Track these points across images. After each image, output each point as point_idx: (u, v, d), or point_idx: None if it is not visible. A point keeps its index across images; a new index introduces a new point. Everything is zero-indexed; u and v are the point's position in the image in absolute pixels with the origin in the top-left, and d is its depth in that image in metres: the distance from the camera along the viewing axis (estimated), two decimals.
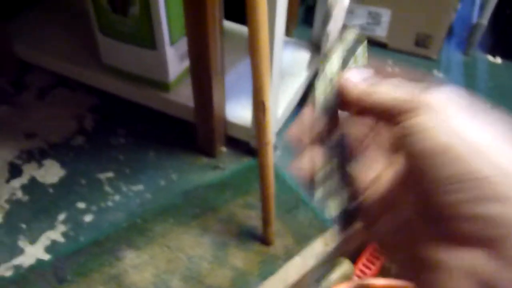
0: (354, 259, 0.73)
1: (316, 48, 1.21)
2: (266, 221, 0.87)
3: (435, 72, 1.32)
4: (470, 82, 1.32)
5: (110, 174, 1.04)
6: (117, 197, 0.99)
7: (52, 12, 1.31)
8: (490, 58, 1.39)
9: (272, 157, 0.79)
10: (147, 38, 0.99)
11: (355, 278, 0.71)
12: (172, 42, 1.02)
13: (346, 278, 0.70)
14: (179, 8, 0.99)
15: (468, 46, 1.38)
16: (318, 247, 0.66)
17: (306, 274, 0.63)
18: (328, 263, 0.68)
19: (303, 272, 0.63)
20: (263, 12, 0.64)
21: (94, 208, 0.97)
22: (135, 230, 0.93)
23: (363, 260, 0.74)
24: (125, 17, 0.98)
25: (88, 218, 0.96)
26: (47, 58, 1.19)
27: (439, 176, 0.18)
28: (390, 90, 0.22)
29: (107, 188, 1.01)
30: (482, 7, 1.34)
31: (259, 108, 0.72)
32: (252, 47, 0.67)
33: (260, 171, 0.81)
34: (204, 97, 0.95)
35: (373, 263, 0.74)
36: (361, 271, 0.73)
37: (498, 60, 1.39)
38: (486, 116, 0.20)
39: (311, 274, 0.65)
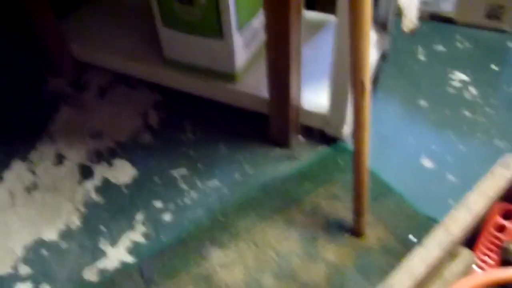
0: (470, 247, 0.68)
1: (383, 27, 1.14)
2: (358, 211, 0.82)
3: (509, 44, 1.24)
4: None
5: (183, 171, 1.00)
6: (193, 194, 0.96)
7: (107, 7, 1.28)
8: None
9: (368, 141, 0.74)
10: (214, 26, 0.95)
11: (476, 269, 0.66)
12: (239, 29, 0.97)
13: (468, 269, 0.64)
14: None
15: None
16: (440, 236, 0.60)
17: (432, 266, 0.58)
18: (448, 253, 0.62)
19: (429, 263, 0.58)
20: None
21: (171, 206, 0.94)
22: (217, 227, 0.89)
23: (480, 247, 0.69)
24: (191, 6, 0.94)
25: (167, 217, 0.93)
26: (105, 56, 1.17)
27: None
28: None
29: (182, 185, 0.98)
30: None
31: (358, 89, 0.67)
32: (354, 23, 0.61)
33: (355, 157, 0.75)
34: (281, 85, 0.90)
35: (491, 250, 0.68)
36: (481, 260, 0.67)
37: None
38: None
39: (437, 265, 0.59)
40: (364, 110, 0.69)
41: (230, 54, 0.99)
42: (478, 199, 0.63)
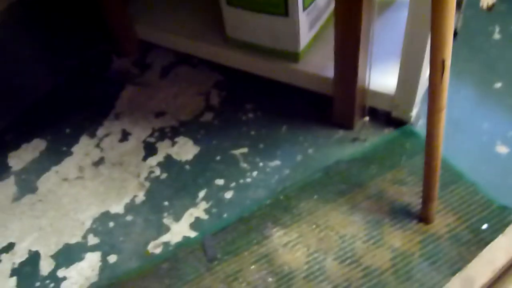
0: None
1: (457, 3, 1.07)
2: (428, 197, 0.79)
3: None
4: None
5: (244, 150, 1.00)
6: (254, 173, 0.96)
7: None
8: None
9: (443, 125, 0.70)
10: (279, 4, 0.93)
11: None
12: (304, 8, 0.95)
13: None
14: None
15: None
16: None
17: None
18: None
19: (511, 253, 0.55)
20: None
21: (233, 184, 0.95)
22: (279, 207, 0.89)
23: None
24: None
25: (228, 194, 0.94)
26: (168, 36, 1.18)
27: None
28: None
29: (244, 164, 0.98)
30: None
31: (437, 68, 0.63)
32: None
33: (428, 141, 0.72)
34: (348, 65, 0.87)
35: None
36: None
37: None
38: None
39: None
40: (442, 91, 0.65)
41: (294, 33, 0.97)
42: None
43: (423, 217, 0.82)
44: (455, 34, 1.12)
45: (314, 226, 0.85)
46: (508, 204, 0.82)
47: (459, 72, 1.06)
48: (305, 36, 1.00)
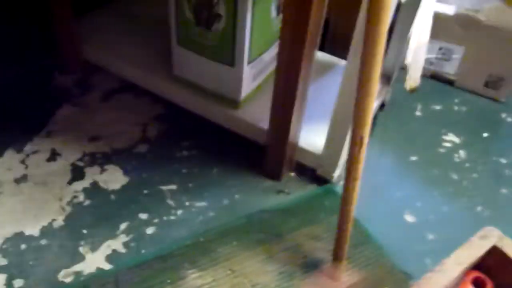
0: None
1: (387, 80, 1.18)
2: (337, 256, 0.84)
3: (504, 115, 1.28)
4: None
5: (173, 187, 1.02)
6: (179, 212, 0.97)
7: (126, 15, 1.31)
8: None
9: (357, 193, 0.77)
10: (227, 54, 0.98)
11: None
12: (250, 61, 1.00)
13: None
14: (263, 27, 0.98)
15: None
16: None
17: None
18: None
19: None
20: (381, 47, 0.62)
21: (156, 220, 0.96)
22: (198, 249, 0.90)
23: None
24: (208, 31, 0.97)
25: (150, 230, 0.94)
26: (116, 61, 1.19)
27: None
28: None
29: (170, 201, 0.99)
30: None
31: (356, 142, 0.70)
32: (362, 82, 0.65)
33: (342, 205, 0.78)
34: (283, 118, 0.93)
35: None
36: None
37: None
38: None
39: None
40: (358, 163, 0.72)
41: (238, 82, 1.02)
42: (454, 267, 0.65)
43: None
44: (383, 106, 1.22)
45: (229, 271, 0.87)
46: (409, 270, 0.90)
47: (382, 141, 1.16)
48: (247, 86, 1.05)
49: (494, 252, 0.69)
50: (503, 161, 1.14)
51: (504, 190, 1.08)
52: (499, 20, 1.23)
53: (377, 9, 0.58)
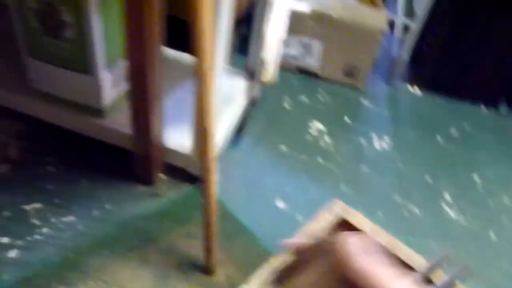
0: None
1: (251, 76, 1.23)
2: (208, 250, 0.86)
3: (363, 100, 1.40)
4: (393, 111, 1.42)
5: (37, 205, 0.96)
6: (45, 230, 0.92)
7: None
8: (411, 89, 1.51)
9: (215, 184, 0.79)
10: (81, 61, 0.96)
11: None
12: (108, 65, 0.99)
13: None
14: (116, 29, 0.97)
15: (391, 78, 1.49)
16: (264, 273, 0.65)
17: None
18: None
19: None
20: (211, 40, 0.64)
21: (19, 242, 0.90)
22: (67, 265, 0.87)
23: None
24: (57, 39, 0.94)
25: (12, 253, 0.88)
26: None
27: None
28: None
29: (34, 220, 0.94)
30: (403, 44, 1.46)
31: (203, 135, 0.72)
32: (198, 75, 0.67)
33: (203, 198, 0.80)
34: (142, 122, 0.93)
35: None
36: None
37: (418, 91, 1.51)
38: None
39: None
40: (208, 154, 0.74)
41: (97, 89, 0.99)
42: (302, 239, 0.70)
43: (206, 269, 0.88)
44: (254, 102, 1.27)
45: (100, 282, 0.85)
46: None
47: (254, 136, 1.20)
48: (109, 93, 1.03)
49: (341, 223, 0.74)
50: (363, 142, 1.25)
51: (364, 168, 1.18)
52: (348, 16, 1.34)
53: (195, 5, 0.60)
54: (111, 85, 1.03)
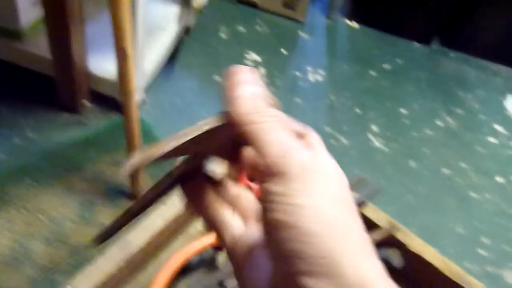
0: None
1: (186, 2, 1.18)
2: (133, 176, 0.85)
3: (301, 33, 1.39)
4: (329, 44, 1.43)
5: None
6: None
7: None
8: (349, 22, 1.51)
9: (136, 106, 0.77)
10: None
11: None
12: None
13: None
14: None
15: (330, 11, 1.48)
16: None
17: (173, 221, 0.64)
18: None
19: (168, 219, 0.64)
20: None
21: None
22: None
23: None
24: None
25: None
26: None
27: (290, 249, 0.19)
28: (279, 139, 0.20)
29: None
30: None
31: (120, 55, 0.69)
32: None
33: (125, 122, 0.78)
34: (62, 46, 0.88)
35: None
36: None
37: (356, 24, 1.51)
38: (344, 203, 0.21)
39: (179, 221, 0.66)
40: (128, 75, 0.72)
41: (13, 9, 0.92)
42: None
43: (132, 195, 0.89)
44: (188, 30, 1.23)
45: (23, 210, 0.83)
46: None
47: (187, 64, 1.17)
48: (27, 14, 0.96)
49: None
50: (298, 74, 1.25)
51: (298, 100, 1.19)
52: None
53: None
54: (29, 4, 0.95)
